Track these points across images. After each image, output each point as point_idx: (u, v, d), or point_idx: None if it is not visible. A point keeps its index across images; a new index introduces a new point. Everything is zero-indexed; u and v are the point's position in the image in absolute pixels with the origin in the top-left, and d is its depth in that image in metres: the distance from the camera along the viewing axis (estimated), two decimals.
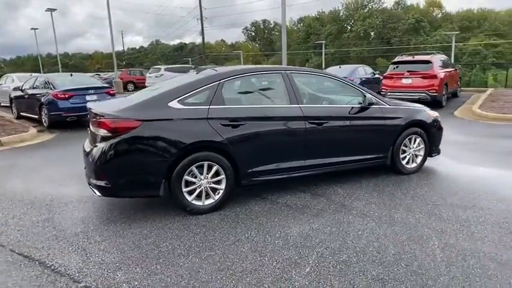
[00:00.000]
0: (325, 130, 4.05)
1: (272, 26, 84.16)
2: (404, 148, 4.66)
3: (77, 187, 4.50)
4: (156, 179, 3.39)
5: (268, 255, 2.81)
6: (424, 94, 10.60)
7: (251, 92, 4.14)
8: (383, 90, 11.55)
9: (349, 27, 66.21)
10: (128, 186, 3.39)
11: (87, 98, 9.50)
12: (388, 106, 4.52)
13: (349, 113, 4.25)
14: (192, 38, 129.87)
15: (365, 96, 4.39)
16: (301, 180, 4.29)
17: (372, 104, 4.37)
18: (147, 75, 21.97)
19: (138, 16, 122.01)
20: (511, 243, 2.90)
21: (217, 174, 3.60)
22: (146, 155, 3.35)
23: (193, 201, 3.55)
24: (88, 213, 3.71)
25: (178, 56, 77.50)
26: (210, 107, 3.58)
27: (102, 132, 3.32)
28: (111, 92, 10.12)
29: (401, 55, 12.42)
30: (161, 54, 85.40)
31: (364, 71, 14.09)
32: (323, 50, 37.35)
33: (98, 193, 3.40)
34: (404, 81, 11.09)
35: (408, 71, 11.01)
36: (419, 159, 4.80)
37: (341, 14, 68.67)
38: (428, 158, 4.87)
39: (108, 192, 3.41)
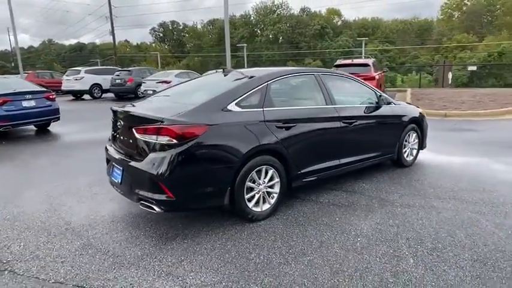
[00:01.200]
0: (354, 129, 4.26)
1: (181, 27, 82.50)
2: (404, 143, 5.14)
3: (84, 206, 3.93)
4: (222, 188, 3.17)
5: (365, 252, 2.88)
6: None
7: (293, 93, 4.12)
8: None
9: (259, 31, 68.68)
10: (193, 197, 3.10)
11: (24, 104, 8.21)
12: (395, 105, 4.94)
13: (371, 112, 4.53)
14: (90, 38, 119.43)
15: (380, 96, 4.73)
16: (325, 179, 4.34)
17: (390, 103, 4.75)
18: (64, 77, 19.66)
19: (22, 11, 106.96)
20: None
21: (271, 178, 3.52)
22: (213, 162, 3.11)
23: (253, 208, 3.41)
24: (130, 233, 3.27)
25: (78, 57, 70.92)
26: (264, 109, 3.49)
27: (164, 139, 2.97)
28: (51, 96, 8.86)
29: (341, 59, 13.47)
30: (56, 54, 77.02)
31: None
32: (245, 53, 38.10)
33: (157, 209, 3.02)
34: None
35: (350, 73, 11.98)
36: (414, 152, 5.35)
37: (252, 18, 70.97)
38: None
39: (172, 207, 3.07)
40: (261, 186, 3.43)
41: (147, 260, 2.81)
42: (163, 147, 2.99)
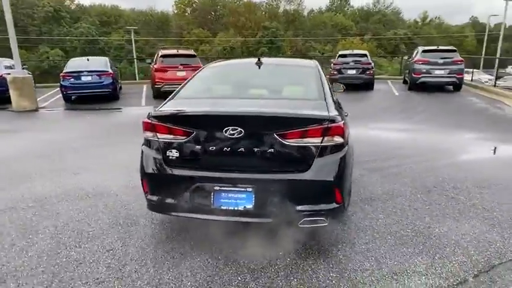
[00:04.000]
0: None
1: None
2: None
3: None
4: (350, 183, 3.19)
5: (443, 196, 3.83)
6: None
7: None
8: (158, 83, 11.82)
9: None
10: (348, 198, 2.97)
11: None
12: None
13: None
14: None
15: None
16: None
17: None
18: None
19: None
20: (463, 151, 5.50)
21: None
22: (351, 159, 3.06)
23: None
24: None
25: None
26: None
27: (332, 140, 2.68)
28: None
29: (163, 48, 13.00)
30: None
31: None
32: None
33: (325, 221, 2.70)
34: (179, 73, 11.95)
35: (181, 64, 11.96)
36: None
37: None
38: None
39: (338, 214, 2.84)
40: None
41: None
42: (330, 149, 2.70)
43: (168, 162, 2.81)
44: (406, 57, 14.94)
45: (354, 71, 13.02)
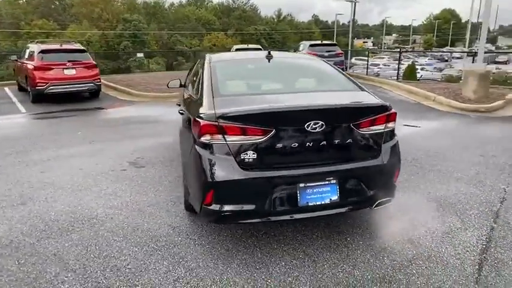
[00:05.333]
0: None
1: None
2: None
3: None
4: None
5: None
6: (91, 84, 10.54)
7: None
8: (40, 84, 9.83)
9: None
10: None
11: None
12: None
13: None
14: None
15: None
16: None
17: None
18: None
19: None
20: None
21: None
22: None
23: None
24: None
25: None
26: None
27: (390, 126, 2.93)
28: None
29: (39, 42, 10.72)
30: None
31: None
32: None
33: (391, 200, 2.96)
34: (68, 72, 10.17)
35: (69, 61, 10.19)
36: None
37: None
38: None
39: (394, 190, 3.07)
40: None
41: None
42: (389, 134, 2.95)
43: (244, 166, 2.55)
44: (292, 51, 16.35)
45: None
